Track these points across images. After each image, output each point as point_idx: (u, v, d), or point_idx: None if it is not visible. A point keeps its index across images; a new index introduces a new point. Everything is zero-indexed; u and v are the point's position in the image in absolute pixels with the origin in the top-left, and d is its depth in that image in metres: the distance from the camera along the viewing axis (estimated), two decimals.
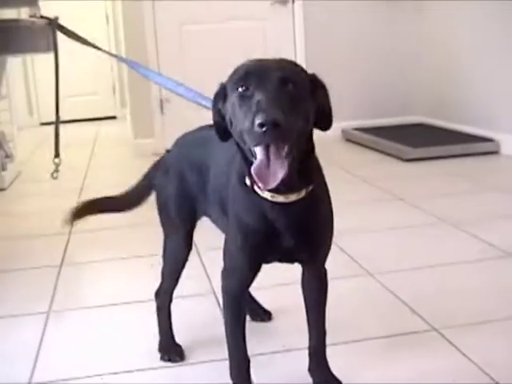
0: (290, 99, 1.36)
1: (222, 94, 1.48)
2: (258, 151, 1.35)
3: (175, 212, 2.01)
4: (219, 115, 1.50)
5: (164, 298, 2.10)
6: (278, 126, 1.27)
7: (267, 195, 1.47)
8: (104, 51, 2.35)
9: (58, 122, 2.56)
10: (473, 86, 5.38)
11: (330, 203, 1.64)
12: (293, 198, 1.48)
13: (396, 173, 4.61)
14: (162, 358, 2.03)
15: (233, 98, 1.41)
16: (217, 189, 1.74)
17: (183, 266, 2.05)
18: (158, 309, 2.11)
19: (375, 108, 6.24)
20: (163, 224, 2.08)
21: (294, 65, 1.45)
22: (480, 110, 5.30)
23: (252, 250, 1.56)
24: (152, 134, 5.98)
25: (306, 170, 1.47)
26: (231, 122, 1.42)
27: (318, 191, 1.55)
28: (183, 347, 2.08)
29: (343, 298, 2.35)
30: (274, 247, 1.55)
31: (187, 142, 2.01)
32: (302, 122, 1.38)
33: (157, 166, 2.11)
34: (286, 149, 1.35)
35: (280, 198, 1.47)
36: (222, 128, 1.50)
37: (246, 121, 1.33)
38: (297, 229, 1.53)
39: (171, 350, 2.04)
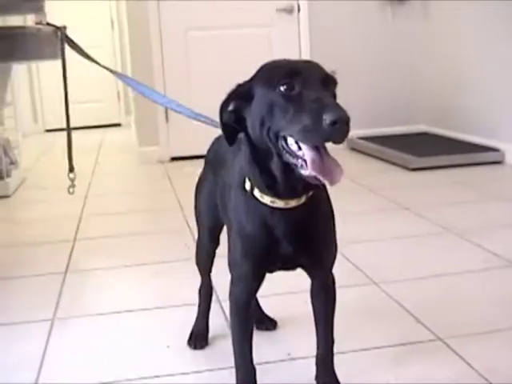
0: (334, 98, 1.36)
1: (239, 94, 1.44)
2: (309, 151, 1.33)
3: (199, 206, 2.04)
4: (232, 115, 1.45)
5: (204, 291, 2.18)
6: (348, 124, 1.27)
7: (267, 200, 1.47)
8: (105, 67, 2.35)
9: (70, 135, 2.56)
10: (477, 95, 5.39)
11: (331, 209, 1.63)
12: (293, 203, 1.47)
13: (401, 182, 4.61)
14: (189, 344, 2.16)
15: (270, 97, 1.36)
16: (223, 196, 1.75)
17: (209, 261, 2.10)
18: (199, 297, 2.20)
19: (380, 117, 6.25)
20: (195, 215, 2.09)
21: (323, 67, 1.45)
22: (484, 119, 5.31)
23: (254, 258, 1.55)
24: (157, 141, 5.99)
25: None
26: (262, 123, 1.38)
27: (318, 197, 1.55)
28: (189, 355, 2.08)
29: (348, 307, 2.34)
30: (275, 254, 1.54)
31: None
32: None
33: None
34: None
35: (280, 204, 1.47)
36: (230, 130, 1.47)
37: (300, 119, 1.29)
38: (296, 234, 1.52)
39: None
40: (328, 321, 1.74)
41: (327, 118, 1.25)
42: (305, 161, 1.34)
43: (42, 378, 2.01)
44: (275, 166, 1.41)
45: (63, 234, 3.63)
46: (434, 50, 6.10)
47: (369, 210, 3.82)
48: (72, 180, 2.53)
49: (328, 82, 1.38)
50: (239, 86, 1.46)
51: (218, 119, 1.81)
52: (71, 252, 3.29)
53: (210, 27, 5.94)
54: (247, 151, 1.46)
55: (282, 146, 1.36)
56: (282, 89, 1.35)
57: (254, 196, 1.49)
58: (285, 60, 1.44)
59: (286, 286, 2.26)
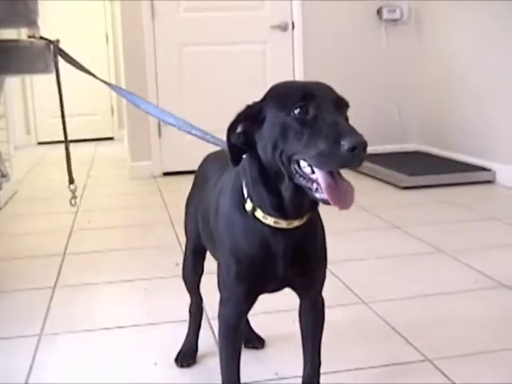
0: (347, 121, 1.36)
1: (248, 116, 1.41)
2: (323, 175, 1.32)
3: (186, 224, 2.05)
4: (242, 137, 1.42)
5: (194, 309, 2.19)
6: (366, 149, 1.27)
7: (270, 221, 1.45)
8: (101, 80, 2.34)
9: (68, 148, 2.54)
10: (469, 115, 5.41)
11: (323, 229, 1.64)
12: (295, 223, 1.47)
13: (392, 200, 4.62)
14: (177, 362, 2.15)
15: (283, 120, 1.34)
16: (205, 219, 1.74)
17: (195, 279, 2.11)
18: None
19: (373, 135, 6.22)
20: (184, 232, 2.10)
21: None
22: (476, 139, 5.32)
23: (250, 280, 1.53)
24: (149, 156, 5.98)
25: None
26: (275, 146, 1.36)
27: (315, 217, 1.55)
28: (176, 373, 2.07)
29: (337, 326, 2.34)
30: (272, 275, 1.53)
31: (208, 158, 2.00)
32: None
33: None
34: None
35: (283, 224, 1.46)
36: (237, 152, 1.44)
37: (315, 144, 1.29)
38: (294, 255, 1.51)
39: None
40: (315, 341, 1.73)
41: (345, 144, 1.25)
42: (319, 184, 1.33)
43: None
44: (285, 188, 1.40)
45: (53, 248, 3.61)
46: (426, 70, 6.13)
47: (359, 228, 3.82)
48: (73, 191, 2.51)
49: (341, 104, 1.38)
50: (248, 107, 1.43)
51: (211, 133, 1.81)
52: (60, 266, 3.27)
53: (205, 43, 5.95)
54: (254, 172, 1.44)
55: (295, 169, 1.35)
56: (295, 112, 1.33)
57: (254, 216, 1.48)
58: (296, 82, 1.44)
59: (275, 304, 2.25)
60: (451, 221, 3.96)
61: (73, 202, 2.51)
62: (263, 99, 1.43)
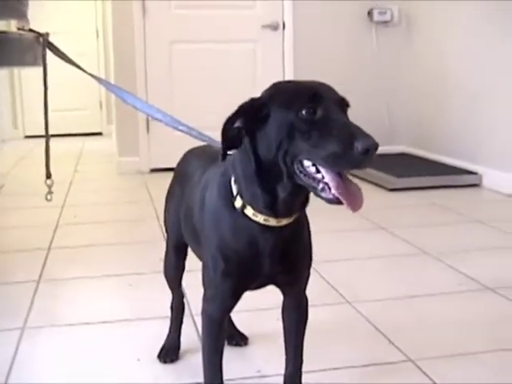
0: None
1: (248, 111, 1.39)
2: (332, 176, 1.33)
3: (167, 220, 2.06)
4: (238, 132, 1.40)
5: (176, 306, 2.18)
6: (377, 151, 1.28)
7: (259, 219, 1.45)
8: (90, 74, 2.34)
9: (48, 142, 2.53)
10: (457, 119, 5.43)
11: (309, 228, 1.64)
12: (284, 221, 1.46)
13: (379, 202, 4.63)
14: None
15: (290, 119, 1.33)
16: (189, 215, 1.74)
17: (177, 275, 2.10)
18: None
19: None
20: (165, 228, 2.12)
21: None
22: (463, 142, 5.35)
23: (236, 277, 1.53)
24: (137, 152, 5.97)
25: (307, 195, 1.47)
26: (280, 144, 1.34)
27: (301, 216, 1.55)
28: (158, 369, 2.07)
29: (321, 326, 2.34)
30: (260, 272, 1.53)
31: (189, 154, 2.00)
32: None
33: None
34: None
35: (273, 222, 1.46)
36: (231, 146, 1.42)
37: (325, 145, 1.29)
38: (281, 252, 1.51)
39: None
40: (298, 340, 1.73)
41: (359, 146, 1.25)
42: (326, 184, 1.34)
43: None
44: (282, 187, 1.40)
45: (38, 242, 3.60)
46: (416, 72, 6.14)
47: (345, 229, 3.83)
48: (49, 187, 2.49)
49: (344, 105, 1.39)
50: (248, 102, 1.40)
51: (197, 129, 1.80)
52: (45, 261, 3.26)
53: (195, 41, 5.95)
54: (249, 170, 1.42)
55: (299, 169, 1.35)
56: (303, 113, 1.33)
57: (244, 213, 1.47)
58: (300, 81, 1.43)
59: (258, 302, 2.26)
60: (437, 223, 3.97)
61: (48, 197, 2.50)
62: (267, 97, 1.41)
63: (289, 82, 1.46)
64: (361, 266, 3.14)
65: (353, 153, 1.26)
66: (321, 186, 1.34)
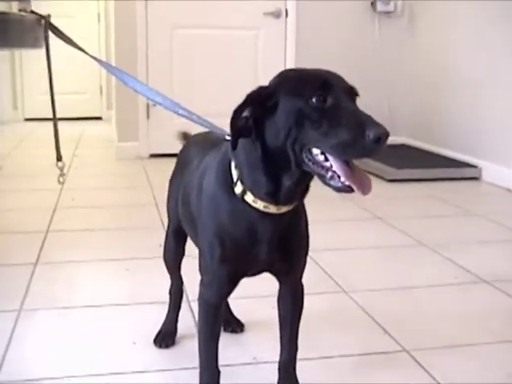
0: None
1: (257, 100, 1.37)
2: (340, 163, 1.33)
3: (168, 205, 2.05)
4: (248, 122, 1.38)
5: (174, 291, 2.18)
6: (386, 141, 1.27)
7: (259, 205, 1.44)
8: (92, 57, 2.32)
9: (56, 125, 2.52)
10: (458, 111, 5.43)
11: (306, 217, 1.64)
12: (284, 209, 1.46)
13: (377, 193, 4.57)
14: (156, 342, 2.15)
15: (300, 107, 1.32)
16: (186, 201, 1.74)
17: (176, 260, 2.10)
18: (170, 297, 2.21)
19: None
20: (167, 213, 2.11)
21: None
22: (464, 135, 5.34)
23: (233, 263, 1.53)
24: (136, 137, 5.96)
25: (308, 183, 1.48)
26: (289, 132, 1.33)
27: (300, 204, 1.55)
28: (154, 354, 2.08)
29: (316, 314, 2.35)
30: (257, 259, 1.53)
31: (192, 140, 2.00)
32: None
33: None
34: None
35: (273, 209, 1.45)
36: (241, 135, 1.40)
37: (337, 133, 1.28)
38: (281, 240, 1.52)
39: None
40: (293, 328, 1.73)
41: (371, 134, 1.25)
42: (334, 172, 1.34)
43: (5, 368, 1.99)
44: (289, 176, 1.39)
45: (36, 225, 3.60)
46: (418, 63, 6.13)
47: (344, 219, 3.83)
48: (61, 169, 2.49)
49: (353, 94, 1.39)
50: (261, 88, 1.39)
51: (197, 114, 1.80)
52: (43, 243, 3.26)
53: (197, 26, 5.92)
54: (254, 157, 1.41)
55: (308, 157, 1.34)
56: (314, 100, 1.32)
57: (243, 200, 1.46)
58: (309, 69, 1.42)
59: (255, 289, 2.26)
60: (435, 215, 3.98)
61: (61, 179, 2.49)
62: (275, 85, 1.40)
63: (296, 69, 1.45)
64: (358, 256, 3.15)
65: (364, 141, 1.26)
66: (329, 174, 1.34)
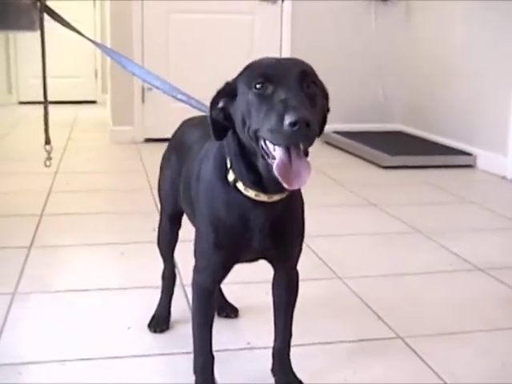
0: (309, 98, 1.34)
1: (226, 93, 1.42)
2: (279, 151, 1.31)
3: (161, 190, 2.05)
4: (221, 113, 1.44)
5: (167, 275, 2.18)
6: (309, 126, 1.25)
7: (251, 194, 1.45)
8: (89, 40, 2.32)
9: (46, 108, 2.51)
10: (454, 99, 5.42)
11: (303, 205, 1.64)
12: (276, 198, 1.47)
13: (372, 179, 4.63)
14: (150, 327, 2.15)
15: (248, 96, 1.35)
16: (187, 186, 1.74)
17: (170, 245, 2.10)
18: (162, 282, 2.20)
19: (356, 113, 6.26)
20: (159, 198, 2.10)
21: (309, 65, 1.42)
22: (459, 123, 5.34)
23: (227, 249, 1.54)
24: (131, 121, 5.94)
25: None
26: (244, 121, 1.37)
27: (295, 192, 1.55)
28: (148, 338, 2.08)
29: (311, 300, 2.35)
30: (248, 246, 1.54)
31: (187, 124, 1.99)
32: (318, 123, 1.37)
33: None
34: (302, 150, 1.33)
35: (264, 197, 1.46)
36: (219, 126, 1.45)
37: (269, 120, 1.29)
38: (272, 228, 1.52)
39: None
40: (288, 314, 1.74)
41: (287, 119, 1.24)
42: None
43: None
44: (260, 165, 1.40)
45: (30, 209, 3.59)
46: (414, 51, 6.12)
47: (338, 205, 3.83)
48: (48, 152, 2.48)
49: (304, 80, 1.36)
50: (227, 83, 1.44)
51: (195, 98, 1.80)
52: (37, 227, 3.26)
53: (193, 11, 5.89)
54: (234, 148, 1.45)
55: (261, 145, 1.35)
56: (256, 88, 1.34)
57: (236, 188, 1.48)
58: (267, 58, 1.43)
59: (250, 275, 2.26)
60: (430, 202, 3.98)
61: (47, 163, 2.48)
62: (237, 77, 1.44)
63: (260, 59, 1.45)
64: (352, 243, 3.15)
65: (283, 127, 1.25)
66: (272, 163, 1.34)
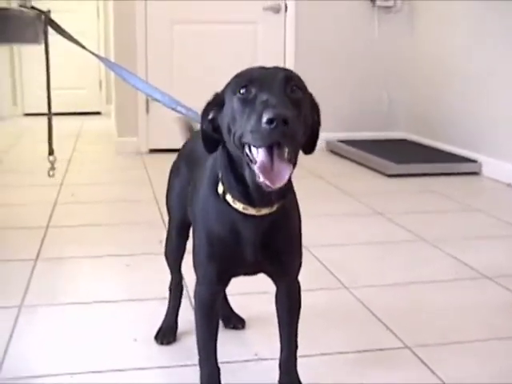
0: (293, 103, 1.34)
1: (215, 103, 1.45)
2: (261, 153, 1.31)
3: (169, 201, 2.05)
4: (210, 125, 1.46)
5: (174, 287, 2.17)
6: (287, 124, 1.25)
7: (239, 206, 1.46)
8: (92, 53, 2.32)
9: (50, 119, 2.52)
10: (458, 106, 5.42)
11: (299, 219, 1.63)
12: (265, 211, 1.46)
13: (377, 187, 4.62)
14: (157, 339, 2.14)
15: (233, 102, 1.37)
16: (191, 196, 1.74)
17: (178, 257, 2.09)
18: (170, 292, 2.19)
19: (361, 121, 6.26)
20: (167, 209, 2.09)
21: (296, 73, 1.43)
22: (464, 130, 5.34)
23: (220, 262, 1.55)
24: (136, 132, 5.96)
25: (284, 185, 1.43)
26: (229, 129, 1.38)
27: (288, 206, 1.54)
28: (155, 350, 2.08)
29: (317, 310, 2.35)
30: (242, 260, 1.53)
31: (197, 134, 2.00)
32: (302, 129, 1.36)
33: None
34: (286, 154, 1.32)
35: (252, 211, 1.46)
36: (209, 138, 1.47)
37: (250, 121, 1.30)
38: (264, 242, 1.51)
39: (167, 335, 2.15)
40: (292, 326, 1.73)
41: (264, 117, 1.25)
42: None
43: (6, 365, 1.99)
44: (246, 174, 1.40)
45: (36, 221, 3.60)
46: (417, 58, 6.12)
47: (343, 214, 3.82)
48: (52, 163, 2.48)
49: (288, 84, 1.36)
50: (216, 94, 1.47)
51: (194, 110, 1.80)
52: (43, 239, 3.26)
53: (196, 21, 5.91)
54: (224, 159, 1.46)
55: (246, 153, 1.35)
56: (240, 92, 1.36)
57: (225, 201, 1.48)
58: (254, 67, 1.44)
59: (255, 285, 2.25)
60: (435, 210, 3.97)
61: (51, 173, 2.49)
62: (224, 86, 1.46)
63: (243, 70, 1.45)
64: (358, 251, 3.14)
65: (261, 126, 1.26)
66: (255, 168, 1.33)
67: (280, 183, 1.31)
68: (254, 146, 1.32)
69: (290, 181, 1.50)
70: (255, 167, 1.32)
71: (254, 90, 1.35)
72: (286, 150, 1.32)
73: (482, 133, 5.09)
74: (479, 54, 5.10)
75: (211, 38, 5.95)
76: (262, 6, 5.97)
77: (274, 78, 1.36)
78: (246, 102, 1.34)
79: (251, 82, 1.36)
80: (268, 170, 1.31)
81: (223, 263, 1.55)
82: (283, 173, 1.31)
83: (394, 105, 6.34)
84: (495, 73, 4.91)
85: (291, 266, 1.64)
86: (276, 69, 1.41)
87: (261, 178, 1.31)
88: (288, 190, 1.50)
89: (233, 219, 1.49)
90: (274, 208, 1.47)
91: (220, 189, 1.49)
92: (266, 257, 1.54)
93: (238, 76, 1.42)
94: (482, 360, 2.04)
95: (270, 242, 1.52)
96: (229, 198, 1.47)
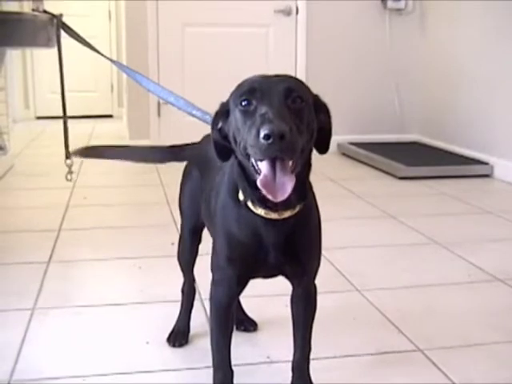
0: (295, 113, 1.35)
1: (223, 112, 1.46)
2: (264, 165, 1.33)
3: (182, 204, 2.05)
4: (220, 134, 1.48)
5: (187, 290, 2.18)
6: (284, 138, 1.26)
7: (261, 212, 1.46)
8: (104, 56, 2.33)
9: (66, 123, 2.53)
10: (469, 108, 5.40)
11: (319, 220, 1.63)
12: (286, 214, 1.47)
13: (389, 190, 4.62)
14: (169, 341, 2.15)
15: (235, 114, 1.39)
16: (208, 199, 1.74)
17: (190, 260, 2.09)
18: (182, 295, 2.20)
19: (372, 124, 6.25)
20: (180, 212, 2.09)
21: (299, 80, 1.44)
22: (475, 132, 5.32)
23: (240, 265, 1.55)
24: (147, 135, 5.97)
25: (302, 187, 1.46)
26: (235, 139, 1.40)
27: (309, 207, 1.55)
28: (168, 353, 2.08)
29: (330, 313, 2.35)
30: (263, 263, 1.54)
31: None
32: (306, 137, 1.37)
33: (187, 147, 2.08)
34: (290, 164, 1.34)
35: (274, 215, 1.46)
36: (221, 147, 1.49)
37: (250, 134, 1.31)
38: (286, 244, 1.52)
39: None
40: (306, 329, 1.73)
41: (261, 133, 1.26)
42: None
43: (19, 367, 1.99)
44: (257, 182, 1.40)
45: (48, 224, 3.61)
46: (428, 61, 6.11)
47: (355, 216, 3.82)
48: (69, 166, 2.49)
49: (289, 95, 1.37)
50: (222, 103, 1.49)
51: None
52: (55, 242, 3.27)
53: (208, 24, 5.93)
54: (236, 167, 1.47)
55: (252, 162, 1.37)
56: (242, 105, 1.37)
57: (247, 206, 1.49)
58: (258, 76, 1.44)
59: (268, 288, 2.25)
60: (447, 213, 3.96)
61: (69, 177, 2.50)
62: (229, 96, 1.47)
63: (251, 77, 1.46)
64: (370, 254, 3.14)
65: (259, 141, 1.27)
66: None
67: (283, 196, 1.33)
68: (254, 159, 1.34)
69: (308, 181, 1.53)
70: (257, 181, 1.34)
71: (254, 102, 1.36)
72: (290, 161, 1.34)
73: (493, 135, 5.07)
74: (491, 56, 5.09)
75: (222, 40, 5.96)
76: (274, 9, 5.98)
77: (275, 90, 1.37)
78: (247, 114, 1.36)
79: (252, 93, 1.37)
80: (270, 183, 1.33)
81: (244, 266, 1.56)
82: (286, 185, 1.33)
83: (405, 107, 6.33)
84: (507, 74, 4.89)
85: (311, 267, 1.65)
86: (278, 78, 1.41)
87: (263, 192, 1.33)
88: (308, 190, 1.52)
89: (255, 224, 1.49)
90: (296, 210, 1.48)
91: (241, 196, 1.49)
92: (287, 259, 1.54)
93: (240, 86, 1.43)
94: (495, 363, 2.03)
95: (292, 243, 1.52)
96: (250, 204, 1.47)
